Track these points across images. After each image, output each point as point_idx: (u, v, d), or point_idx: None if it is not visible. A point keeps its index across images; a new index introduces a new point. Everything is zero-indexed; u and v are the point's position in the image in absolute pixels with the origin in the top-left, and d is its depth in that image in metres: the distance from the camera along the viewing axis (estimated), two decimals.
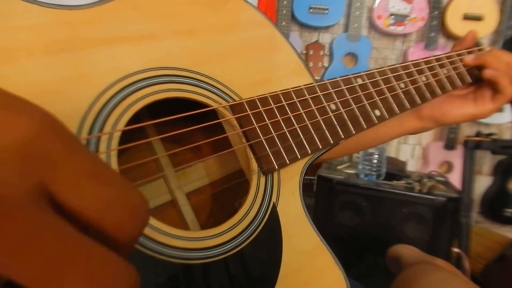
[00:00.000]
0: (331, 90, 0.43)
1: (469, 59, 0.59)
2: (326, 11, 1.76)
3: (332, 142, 0.41)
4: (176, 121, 0.32)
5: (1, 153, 0.13)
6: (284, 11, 1.73)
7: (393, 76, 0.50)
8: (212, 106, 0.35)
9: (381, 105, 0.47)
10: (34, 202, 0.13)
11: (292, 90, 0.40)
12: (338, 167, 1.52)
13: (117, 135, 0.29)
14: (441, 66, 0.56)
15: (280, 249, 0.35)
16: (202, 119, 0.35)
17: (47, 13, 0.29)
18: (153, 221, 0.29)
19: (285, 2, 1.73)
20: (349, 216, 1.35)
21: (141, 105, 0.31)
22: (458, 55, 0.60)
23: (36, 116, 0.14)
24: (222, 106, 0.36)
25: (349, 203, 1.35)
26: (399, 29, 1.81)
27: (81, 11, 0.30)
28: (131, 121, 0.30)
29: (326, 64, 1.86)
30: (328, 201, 1.36)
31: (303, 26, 1.83)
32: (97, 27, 0.31)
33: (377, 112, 0.46)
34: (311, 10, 1.75)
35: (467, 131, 1.88)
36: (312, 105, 0.41)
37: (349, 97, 0.44)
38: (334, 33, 1.86)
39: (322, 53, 1.84)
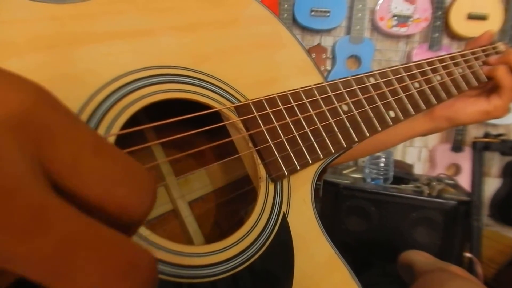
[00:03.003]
0: (343, 90, 0.40)
1: (494, 59, 0.57)
2: (328, 14, 1.74)
3: (345, 145, 0.39)
4: (177, 124, 0.29)
5: None
6: (285, 15, 1.72)
7: (407, 75, 0.47)
8: (216, 108, 0.32)
9: (395, 105, 0.44)
10: (36, 179, 0.12)
11: (301, 90, 0.37)
12: (344, 172, 1.49)
13: (111, 139, 0.26)
14: (456, 65, 0.54)
15: (292, 263, 0.32)
16: (205, 122, 0.32)
17: (34, 8, 0.26)
18: (152, 236, 0.26)
19: (286, 5, 1.72)
20: (356, 221, 1.32)
21: (139, 107, 0.28)
22: (473, 53, 0.57)
23: (31, 89, 0.13)
24: (227, 108, 0.33)
25: (356, 208, 1.32)
26: (402, 30, 1.79)
27: (71, 5, 0.28)
28: (127, 125, 0.27)
29: (329, 67, 1.84)
30: (335, 207, 1.33)
31: (305, 29, 1.81)
32: (88, 22, 0.28)
33: (392, 113, 0.43)
34: (312, 13, 1.73)
35: (474, 132, 1.85)
36: (323, 106, 0.38)
37: (361, 97, 0.41)
38: (336, 36, 1.84)
39: (324, 56, 1.82)
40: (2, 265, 0.11)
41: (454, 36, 1.82)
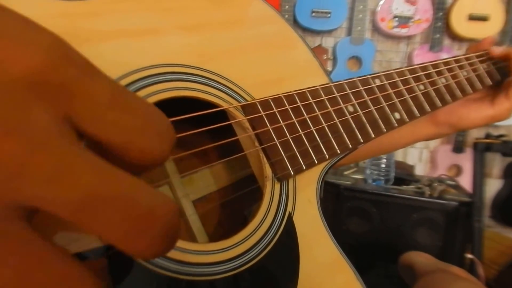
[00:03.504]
0: (349, 91, 0.40)
1: (497, 51, 0.57)
2: (329, 15, 1.74)
3: (350, 146, 0.38)
4: (182, 122, 0.29)
5: (14, 84, 0.12)
6: (286, 16, 1.72)
7: (412, 77, 0.47)
8: (223, 106, 0.32)
9: (400, 107, 0.44)
10: (62, 132, 0.13)
11: (308, 90, 0.37)
12: (345, 172, 1.49)
13: None
14: (460, 67, 0.54)
15: (297, 264, 0.32)
16: (211, 121, 0.32)
17: (42, 4, 0.26)
18: None
19: (287, 6, 1.72)
20: (357, 222, 1.32)
21: None
22: (478, 57, 0.57)
23: (45, 42, 0.13)
24: (233, 107, 0.33)
25: (357, 209, 1.32)
26: (403, 31, 1.79)
27: (79, 2, 0.28)
28: None
29: (329, 68, 1.84)
30: (336, 208, 1.33)
31: (306, 30, 1.81)
32: (96, 20, 0.28)
33: (397, 115, 0.43)
34: (313, 14, 1.74)
35: (475, 133, 1.85)
36: (329, 107, 0.38)
37: (367, 98, 0.41)
38: (337, 37, 1.84)
39: (325, 57, 1.82)
40: (36, 205, 0.12)
41: (455, 37, 1.82)
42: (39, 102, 0.12)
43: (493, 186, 1.92)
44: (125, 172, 0.14)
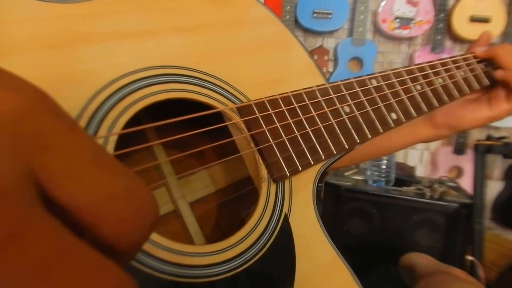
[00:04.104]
0: (345, 92, 0.40)
1: (480, 51, 0.57)
2: (330, 16, 1.74)
3: (347, 147, 0.39)
4: (178, 124, 0.29)
5: None
6: (288, 16, 1.72)
7: (409, 77, 0.47)
8: (218, 108, 0.32)
9: (397, 107, 0.44)
10: (24, 193, 0.11)
11: (304, 91, 0.37)
12: (346, 174, 1.49)
13: (113, 139, 0.26)
14: (458, 68, 0.54)
15: (294, 265, 0.32)
16: (207, 122, 0.32)
17: (40, 7, 0.26)
18: (153, 234, 0.26)
19: (288, 7, 1.72)
20: (358, 223, 1.32)
21: (141, 106, 0.28)
22: (475, 57, 0.57)
23: (27, 92, 0.12)
24: (229, 108, 0.33)
25: (358, 210, 1.31)
26: (404, 33, 1.79)
27: (76, 5, 0.28)
28: (129, 124, 0.27)
29: (331, 69, 1.84)
30: (336, 209, 1.33)
31: (307, 31, 1.81)
32: (93, 22, 0.28)
33: (394, 115, 0.43)
34: (314, 15, 1.73)
35: (476, 135, 1.84)
36: (325, 107, 0.38)
37: (363, 99, 0.41)
38: (338, 38, 1.84)
39: (326, 58, 1.82)
40: None
41: (457, 39, 1.82)
42: (5, 152, 0.11)
43: (494, 188, 1.91)
44: (88, 245, 0.12)
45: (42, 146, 0.12)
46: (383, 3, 1.77)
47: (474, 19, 1.74)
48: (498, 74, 0.55)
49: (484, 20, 1.74)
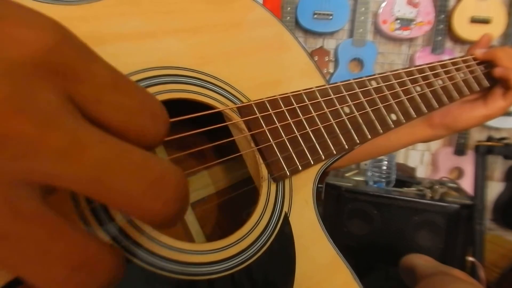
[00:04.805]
0: (345, 93, 0.41)
1: (479, 52, 0.57)
2: (331, 17, 1.74)
3: (346, 147, 0.39)
4: (179, 124, 0.29)
5: (21, 65, 0.12)
6: (288, 17, 1.72)
7: (409, 79, 0.47)
8: (219, 108, 0.33)
9: (397, 108, 0.44)
10: (68, 110, 0.13)
11: (304, 92, 0.38)
12: (346, 174, 1.49)
13: None
14: (457, 69, 0.54)
15: (293, 264, 0.33)
16: (207, 123, 0.32)
17: (40, 9, 0.27)
18: (153, 233, 0.26)
19: (289, 8, 1.72)
20: (358, 224, 1.32)
21: None
22: (475, 59, 0.57)
23: (51, 27, 0.14)
24: (229, 108, 0.33)
25: (358, 211, 1.31)
26: (405, 34, 1.79)
27: (77, 7, 0.28)
28: None
29: (331, 70, 1.84)
30: (337, 210, 1.33)
31: (308, 32, 1.81)
32: (93, 24, 0.28)
33: (393, 116, 0.44)
34: (315, 16, 1.74)
35: (477, 136, 1.84)
36: (325, 108, 0.38)
37: (363, 99, 0.42)
38: (339, 39, 1.84)
39: (327, 59, 1.82)
40: (50, 182, 0.13)
41: (457, 40, 1.82)
42: (45, 81, 0.13)
43: (494, 189, 1.91)
44: (132, 144, 0.14)
45: (72, 75, 0.14)
46: (383, 4, 1.78)
47: (474, 20, 1.74)
48: (497, 70, 0.55)
49: (485, 21, 1.74)
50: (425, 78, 0.49)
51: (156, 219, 0.14)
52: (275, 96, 0.36)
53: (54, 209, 0.13)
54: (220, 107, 0.33)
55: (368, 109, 0.42)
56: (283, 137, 0.35)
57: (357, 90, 0.42)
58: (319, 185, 0.38)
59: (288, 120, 0.36)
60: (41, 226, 0.13)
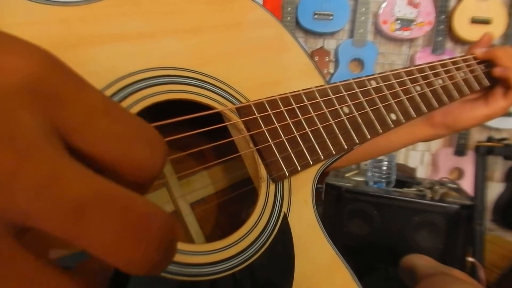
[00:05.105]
0: (344, 93, 0.41)
1: (480, 52, 0.57)
2: (331, 17, 1.74)
3: (346, 147, 0.39)
4: (178, 124, 0.29)
5: (5, 93, 0.12)
6: (289, 18, 1.72)
7: (409, 78, 0.47)
8: (217, 109, 0.33)
9: (396, 108, 0.44)
10: (50, 142, 0.12)
11: (303, 92, 0.38)
12: (346, 175, 1.49)
13: None
14: (458, 69, 0.54)
15: (292, 264, 0.33)
16: (206, 123, 0.32)
17: (40, 10, 0.27)
18: None
19: (289, 8, 1.72)
20: (358, 225, 1.32)
21: (141, 107, 0.28)
22: (475, 58, 0.57)
23: (39, 55, 0.13)
24: (228, 109, 0.33)
25: (359, 211, 1.31)
26: (405, 34, 1.79)
27: (77, 7, 0.28)
28: None
29: (331, 70, 1.84)
30: (337, 210, 1.33)
31: (308, 32, 1.81)
32: (93, 24, 0.28)
33: (393, 116, 0.44)
34: (315, 16, 1.74)
35: (477, 136, 1.84)
36: (324, 108, 0.38)
37: (363, 99, 0.42)
38: (339, 39, 1.84)
39: (327, 59, 1.82)
40: (23, 222, 0.12)
41: (458, 40, 1.82)
42: (27, 110, 0.12)
43: (494, 189, 1.90)
44: (117, 183, 0.13)
45: (59, 104, 0.13)
46: (384, 5, 1.77)
47: (475, 21, 1.74)
48: (497, 71, 0.55)
49: (485, 22, 1.74)
50: (425, 77, 0.49)
51: (135, 269, 0.13)
52: (274, 96, 0.36)
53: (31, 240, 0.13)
54: (219, 108, 0.33)
55: (368, 109, 0.42)
56: (282, 138, 0.35)
57: (357, 90, 0.42)
58: (318, 185, 0.38)
59: (287, 120, 0.36)
60: (13, 273, 0.12)
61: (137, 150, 0.14)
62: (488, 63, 0.58)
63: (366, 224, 1.31)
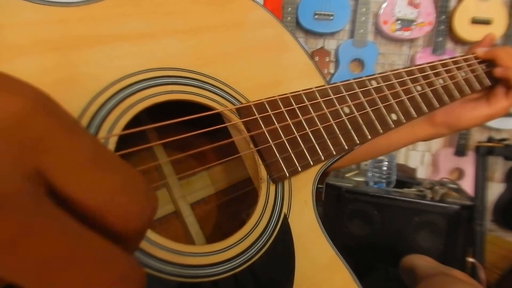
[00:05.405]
0: (345, 93, 0.40)
1: (481, 51, 0.57)
2: (331, 17, 1.74)
3: (346, 147, 0.39)
4: (179, 125, 0.29)
5: None
6: (289, 18, 1.72)
7: (409, 78, 0.47)
8: (218, 109, 0.33)
9: (397, 108, 0.44)
10: (29, 192, 0.12)
11: (303, 93, 0.38)
12: (347, 175, 1.49)
13: (113, 140, 0.26)
14: (459, 68, 0.54)
15: (293, 264, 0.32)
16: (206, 124, 0.32)
17: (40, 11, 0.27)
18: (154, 236, 0.26)
19: (290, 9, 1.72)
20: (358, 225, 1.32)
21: (141, 107, 0.28)
22: (476, 57, 0.57)
23: (28, 95, 0.12)
24: (228, 109, 0.33)
25: (359, 211, 1.31)
26: (406, 34, 1.79)
27: (76, 8, 0.28)
28: (130, 125, 0.27)
29: (332, 71, 1.84)
30: (337, 210, 1.33)
31: (308, 32, 1.81)
32: (93, 25, 0.28)
33: (394, 116, 0.43)
34: (316, 16, 1.74)
35: (478, 137, 1.84)
36: (325, 108, 0.38)
37: (363, 100, 0.42)
38: (339, 39, 1.84)
39: (327, 60, 1.82)
40: None
41: (458, 41, 1.82)
42: (9, 155, 0.12)
43: (495, 190, 1.90)
44: (97, 235, 0.13)
45: (43, 148, 0.12)
46: (384, 5, 1.77)
47: (475, 21, 1.74)
48: (498, 71, 0.55)
49: (486, 22, 1.74)
50: (425, 77, 0.49)
51: None
52: (274, 96, 0.36)
53: None
54: (219, 108, 0.33)
55: (368, 109, 0.42)
56: (282, 138, 0.35)
57: (357, 90, 0.42)
58: (319, 186, 0.38)
59: (288, 120, 0.36)
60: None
61: (123, 202, 0.13)
62: (489, 63, 0.58)
63: (366, 224, 1.31)
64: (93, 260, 0.12)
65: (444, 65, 0.52)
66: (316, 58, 1.81)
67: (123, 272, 0.13)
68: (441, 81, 0.51)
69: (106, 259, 0.12)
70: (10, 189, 0.11)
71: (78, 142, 0.13)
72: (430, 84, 0.49)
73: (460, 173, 1.90)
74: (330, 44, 1.85)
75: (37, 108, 0.12)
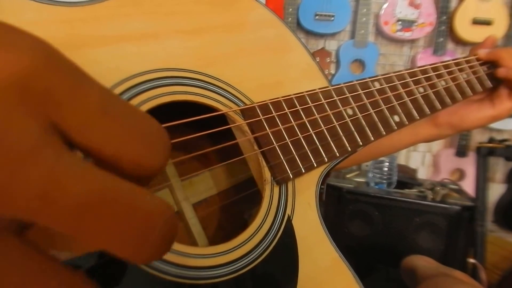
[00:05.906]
0: (348, 95, 0.40)
1: (483, 53, 0.57)
2: (332, 18, 1.74)
3: (349, 149, 0.39)
4: (182, 126, 0.29)
5: None
6: (290, 19, 1.72)
7: (412, 80, 0.47)
8: (222, 110, 0.33)
9: (400, 110, 0.44)
10: (48, 141, 0.12)
11: (307, 94, 0.38)
12: (348, 176, 1.49)
13: None
14: (460, 70, 0.54)
15: (296, 266, 0.32)
16: (210, 125, 0.32)
17: (43, 10, 0.27)
18: None
19: (291, 9, 1.72)
20: (359, 225, 1.32)
21: (144, 109, 0.28)
22: (478, 59, 0.57)
23: (29, 48, 0.12)
24: (232, 111, 0.33)
25: (360, 212, 1.31)
26: (406, 35, 1.79)
27: (79, 8, 0.28)
28: None
29: (332, 71, 1.84)
30: (338, 211, 1.33)
31: (309, 33, 1.81)
32: (96, 25, 0.28)
33: (396, 118, 0.43)
34: (317, 17, 1.74)
35: (478, 137, 1.84)
36: (328, 110, 0.38)
37: (366, 101, 0.42)
38: (340, 40, 1.84)
39: (328, 60, 1.82)
40: (29, 219, 0.12)
41: (459, 41, 1.82)
42: (22, 110, 0.12)
43: (496, 190, 1.90)
44: (119, 178, 0.13)
45: (54, 102, 0.12)
46: (385, 5, 1.77)
47: (476, 22, 1.74)
48: (500, 72, 0.55)
49: (487, 23, 1.74)
50: (428, 79, 0.49)
51: (138, 261, 0.13)
52: (278, 98, 0.36)
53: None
54: (223, 109, 0.33)
55: (371, 111, 0.41)
56: (286, 140, 0.35)
57: (360, 91, 0.42)
58: (321, 187, 0.38)
59: (291, 122, 0.36)
60: (18, 268, 0.12)
61: (134, 148, 0.14)
62: (491, 64, 0.57)
63: (367, 225, 1.31)
64: (121, 201, 0.13)
65: (446, 66, 0.52)
66: (317, 59, 1.80)
67: (152, 207, 0.13)
68: (443, 82, 0.51)
69: (133, 198, 0.13)
70: (31, 141, 0.11)
71: (86, 93, 0.13)
72: (432, 86, 0.49)
73: (461, 173, 1.90)
74: (331, 45, 1.85)
75: (43, 62, 0.12)
